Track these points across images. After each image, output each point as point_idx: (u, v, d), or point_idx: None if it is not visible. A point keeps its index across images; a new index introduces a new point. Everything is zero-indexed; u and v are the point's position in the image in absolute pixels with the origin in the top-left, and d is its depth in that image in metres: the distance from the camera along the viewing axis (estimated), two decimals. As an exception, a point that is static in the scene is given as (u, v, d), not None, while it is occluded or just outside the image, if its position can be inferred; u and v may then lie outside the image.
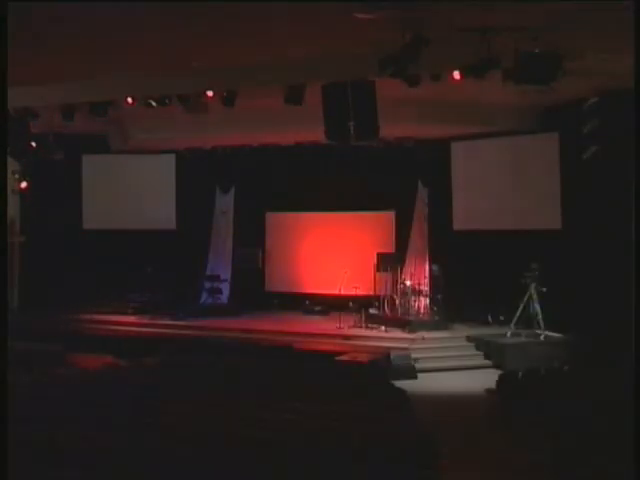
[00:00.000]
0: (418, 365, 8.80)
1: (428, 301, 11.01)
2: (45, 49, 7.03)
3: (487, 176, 10.83)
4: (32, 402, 5.43)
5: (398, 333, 10.05)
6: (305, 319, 11.51)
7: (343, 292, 11.50)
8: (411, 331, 9.95)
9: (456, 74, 7.11)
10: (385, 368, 8.50)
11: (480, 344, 9.55)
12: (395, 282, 11.20)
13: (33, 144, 10.61)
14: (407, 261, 11.64)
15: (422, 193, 11.79)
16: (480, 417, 6.86)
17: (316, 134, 9.46)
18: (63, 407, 5.23)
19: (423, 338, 9.67)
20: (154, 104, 9.01)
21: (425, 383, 8.27)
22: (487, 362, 9.17)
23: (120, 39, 6.75)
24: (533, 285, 9.47)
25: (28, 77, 7.44)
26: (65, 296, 11.95)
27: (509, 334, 9.58)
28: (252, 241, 12.89)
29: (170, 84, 8.33)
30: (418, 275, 11.34)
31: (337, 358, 8.81)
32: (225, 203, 13.09)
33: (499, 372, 8.11)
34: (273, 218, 13.10)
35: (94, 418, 4.95)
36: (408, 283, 10.97)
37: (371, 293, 11.36)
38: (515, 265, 9.82)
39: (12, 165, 10.96)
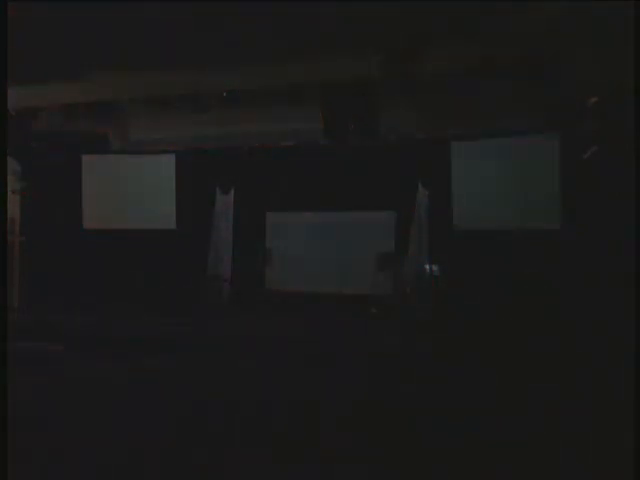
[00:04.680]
0: (418, 365, 8.79)
1: (428, 301, 11.02)
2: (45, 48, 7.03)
3: (487, 176, 10.83)
4: (32, 402, 5.44)
5: (398, 333, 10.04)
6: (305, 319, 11.50)
7: (343, 292, 11.50)
8: (411, 331, 9.95)
9: (456, 74, 7.12)
10: (385, 368, 8.49)
11: (480, 344, 9.53)
12: (395, 282, 11.19)
13: (33, 144, 10.63)
14: (407, 261, 11.65)
15: (422, 193, 11.79)
16: (479, 417, 6.84)
17: (316, 134, 9.49)
18: (63, 407, 5.23)
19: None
20: (154, 104, 9.02)
21: (425, 383, 8.25)
22: (487, 362, 9.15)
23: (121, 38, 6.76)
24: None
25: (28, 77, 7.45)
26: (65, 296, 11.95)
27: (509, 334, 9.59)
28: (252, 241, 12.89)
29: (170, 84, 8.34)
30: (418, 275, 11.34)
31: (337, 358, 8.80)
32: (225, 203, 13.09)
33: (498, 372, 8.09)
34: (273, 218, 13.09)
35: (94, 418, 4.95)
36: (408, 283, 10.97)
37: (371, 293, 11.36)
38: (515, 265, 9.81)
39: (12, 165, 10.96)
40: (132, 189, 12.76)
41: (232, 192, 13.11)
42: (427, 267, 11.43)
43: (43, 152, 11.03)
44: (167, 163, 12.86)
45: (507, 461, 4.39)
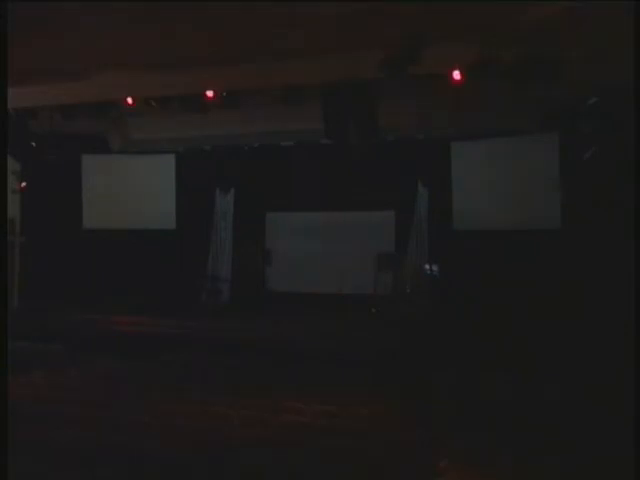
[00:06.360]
0: (417, 365, 8.78)
1: (428, 301, 11.02)
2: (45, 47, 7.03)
3: (487, 176, 10.83)
4: (32, 402, 5.44)
5: (398, 333, 10.04)
6: (305, 319, 11.50)
7: (343, 292, 11.51)
8: (411, 331, 9.95)
9: (456, 74, 7.11)
10: (385, 368, 8.49)
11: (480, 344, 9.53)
12: (395, 282, 11.20)
13: (33, 144, 10.63)
14: (407, 261, 11.65)
15: (422, 193, 11.79)
16: (479, 417, 6.84)
17: (316, 134, 9.47)
18: (63, 408, 5.23)
19: None
20: (154, 104, 9.02)
21: (425, 383, 8.24)
22: (486, 362, 9.14)
23: (120, 37, 6.76)
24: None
25: (28, 77, 7.44)
26: (65, 296, 11.96)
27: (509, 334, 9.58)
28: (252, 241, 12.90)
29: (170, 84, 8.32)
30: (418, 275, 11.34)
31: (337, 358, 8.80)
32: (225, 203, 13.10)
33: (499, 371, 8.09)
34: (273, 218, 13.09)
35: (94, 419, 4.95)
36: (408, 283, 10.98)
37: (371, 293, 11.36)
38: (515, 265, 9.81)
39: (12, 165, 10.96)
40: (132, 189, 12.77)
41: (232, 192, 13.12)
42: (427, 267, 11.44)
43: (43, 152, 11.03)
44: (167, 163, 12.87)
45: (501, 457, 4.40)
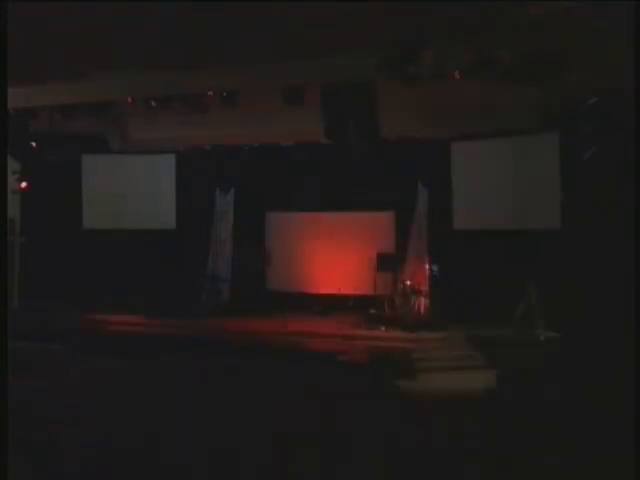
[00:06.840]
0: (418, 365, 8.79)
1: (428, 301, 11.02)
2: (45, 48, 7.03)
3: (487, 176, 10.82)
4: (32, 403, 5.44)
5: (398, 333, 10.05)
6: (305, 319, 11.50)
7: (343, 292, 11.47)
8: (411, 331, 9.96)
9: (456, 74, 7.12)
10: (385, 368, 8.50)
11: (480, 344, 9.53)
12: (395, 282, 11.20)
13: (33, 144, 10.63)
14: (407, 261, 11.64)
15: (422, 193, 11.79)
16: (479, 418, 6.85)
17: (316, 134, 9.48)
18: (63, 408, 5.23)
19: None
20: (154, 104, 9.03)
21: (425, 383, 8.25)
22: (487, 362, 9.14)
23: (120, 38, 6.76)
24: (533, 285, 9.49)
25: (28, 77, 7.45)
26: (65, 296, 11.95)
27: (509, 334, 9.58)
28: (252, 241, 12.90)
29: (170, 84, 8.33)
30: (418, 275, 11.34)
31: (337, 358, 8.81)
32: (225, 203, 13.10)
33: (498, 372, 8.09)
34: (273, 218, 13.09)
35: (94, 419, 4.95)
36: (408, 283, 10.97)
37: (371, 293, 11.36)
38: (515, 265, 9.81)
39: (12, 165, 10.96)
40: (132, 189, 12.78)
41: (232, 192, 13.12)
42: (427, 267, 11.44)
43: (43, 152, 11.04)
44: (167, 163, 12.88)
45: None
